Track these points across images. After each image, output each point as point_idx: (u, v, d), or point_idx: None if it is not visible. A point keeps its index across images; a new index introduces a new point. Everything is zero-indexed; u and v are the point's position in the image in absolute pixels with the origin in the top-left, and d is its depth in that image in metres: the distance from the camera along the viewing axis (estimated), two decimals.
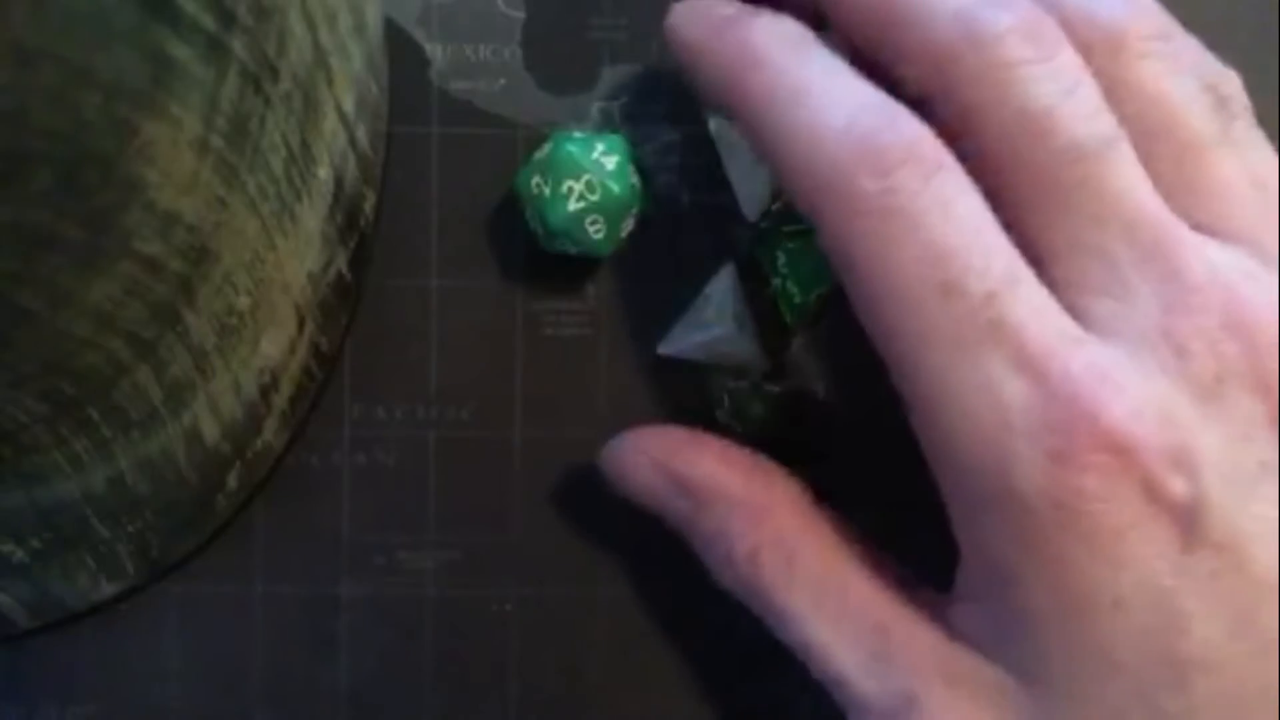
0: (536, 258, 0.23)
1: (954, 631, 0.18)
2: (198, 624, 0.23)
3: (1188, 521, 0.16)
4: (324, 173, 0.21)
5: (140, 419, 0.20)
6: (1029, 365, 0.16)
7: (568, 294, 0.23)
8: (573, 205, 0.21)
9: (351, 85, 0.21)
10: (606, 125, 0.23)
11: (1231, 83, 0.18)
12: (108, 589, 0.23)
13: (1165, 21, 0.18)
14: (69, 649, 0.23)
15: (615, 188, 0.21)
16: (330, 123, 0.21)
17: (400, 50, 0.23)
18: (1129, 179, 0.17)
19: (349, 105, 0.21)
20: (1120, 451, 0.16)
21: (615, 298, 0.23)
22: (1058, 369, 0.16)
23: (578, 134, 0.21)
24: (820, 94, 0.17)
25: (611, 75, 0.23)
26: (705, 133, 0.23)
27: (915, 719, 0.18)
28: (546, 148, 0.21)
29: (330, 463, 0.23)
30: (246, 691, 0.23)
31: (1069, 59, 0.17)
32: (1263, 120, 0.22)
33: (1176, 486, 0.16)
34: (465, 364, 0.23)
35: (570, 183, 0.21)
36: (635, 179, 0.21)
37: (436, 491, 0.23)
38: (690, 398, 0.23)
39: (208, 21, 0.17)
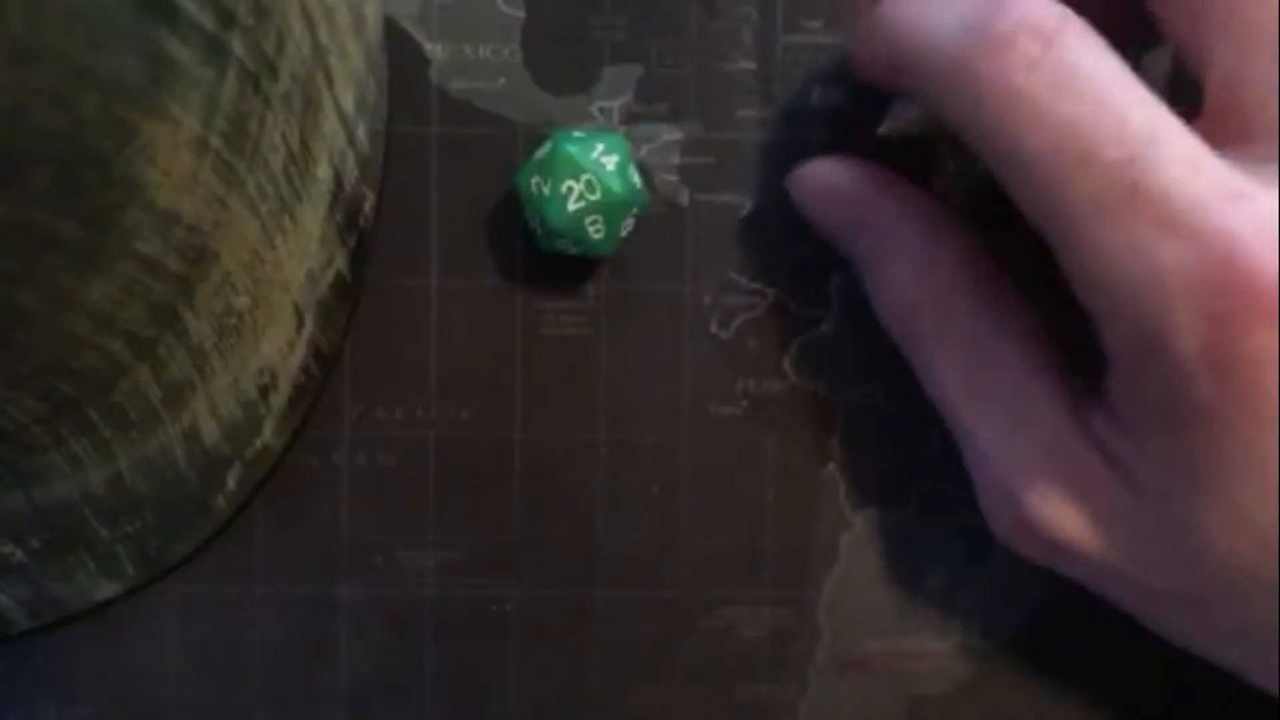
0: (536, 258, 0.23)
1: (1090, 435, 0.18)
2: (197, 624, 0.23)
3: None
4: (323, 172, 0.21)
5: (139, 419, 0.20)
6: (1179, 225, 0.16)
7: (568, 294, 0.23)
8: (573, 205, 0.21)
9: (351, 84, 0.21)
10: (606, 125, 0.23)
11: None
12: (107, 589, 0.23)
13: None
14: (69, 649, 0.23)
15: (615, 188, 0.21)
16: (330, 122, 0.21)
17: (400, 50, 0.23)
18: None
19: (348, 104, 0.21)
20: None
21: (615, 298, 0.23)
22: (1213, 225, 0.15)
23: (578, 134, 0.21)
24: None
25: (611, 75, 0.23)
26: (705, 133, 0.23)
27: (1029, 498, 0.18)
28: (546, 147, 0.21)
29: (330, 463, 0.23)
30: (246, 691, 0.23)
31: None
32: None
33: None
34: (465, 364, 0.23)
35: (570, 182, 0.21)
36: (635, 179, 0.21)
37: (436, 491, 0.23)
38: (692, 394, 0.23)
39: (207, 21, 0.17)
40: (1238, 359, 0.15)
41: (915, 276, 0.20)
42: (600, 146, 0.21)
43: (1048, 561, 0.19)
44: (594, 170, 0.21)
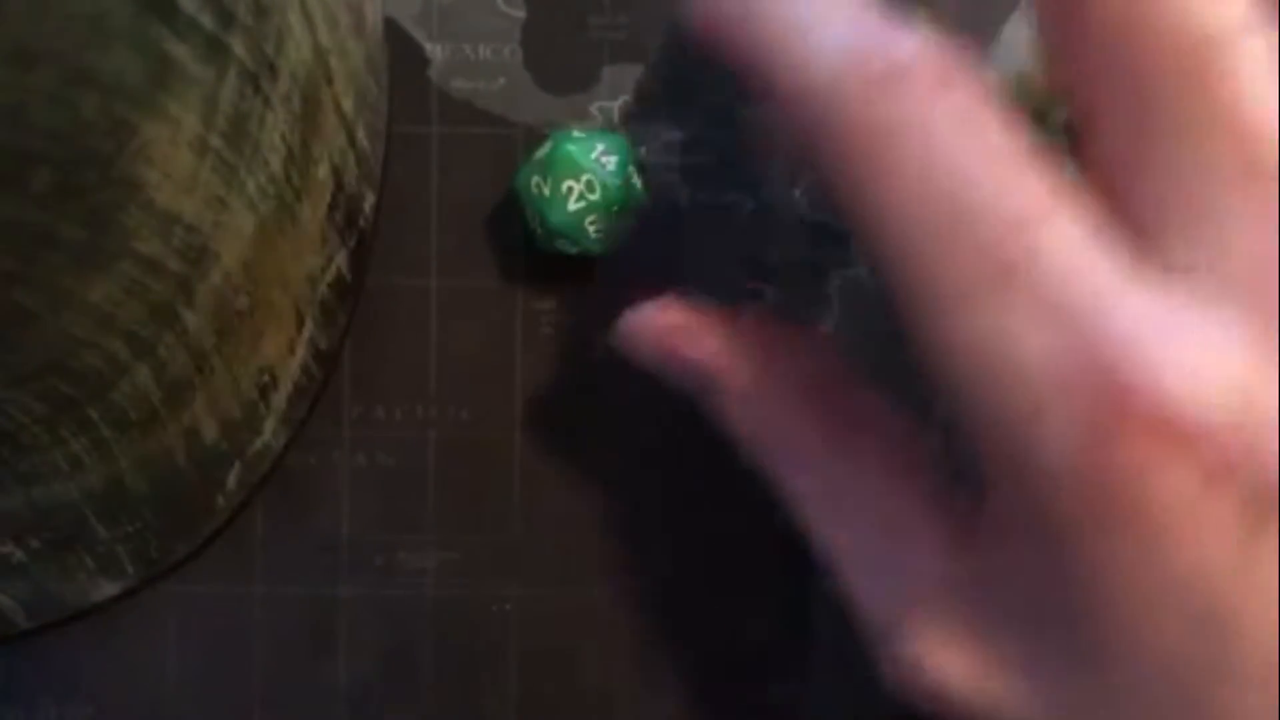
0: (536, 258, 0.23)
1: (975, 561, 0.16)
2: (197, 624, 0.23)
3: (1256, 521, 0.13)
4: (323, 172, 0.21)
5: (139, 419, 0.20)
6: (1056, 315, 0.13)
7: (568, 294, 0.23)
8: (572, 205, 0.21)
9: (351, 84, 0.21)
10: (606, 125, 0.23)
11: None
12: (107, 589, 0.23)
13: None
14: (69, 649, 0.23)
15: (615, 188, 0.21)
16: (330, 122, 0.21)
17: (400, 50, 0.23)
18: (1255, 83, 0.13)
19: (348, 104, 0.21)
20: (1172, 431, 0.13)
21: (615, 297, 0.23)
22: (1094, 321, 0.13)
23: (578, 134, 0.21)
24: (811, 23, 0.14)
25: (611, 75, 0.23)
26: (705, 132, 0.23)
27: (907, 645, 0.16)
28: (546, 147, 0.21)
29: (330, 463, 0.23)
30: (246, 691, 0.23)
31: None
32: None
33: (1248, 478, 0.13)
34: (465, 364, 0.23)
35: (570, 182, 0.21)
36: (635, 179, 0.21)
37: (436, 491, 0.23)
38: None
39: (206, 20, 0.17)
40: (1116, 480, 0.13)
41: (742, 411, 0.18)
42: (600, 146, 0.21)
43: (947, 715, 0.17)
44: (594, 170, 0.21)
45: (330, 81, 0.21)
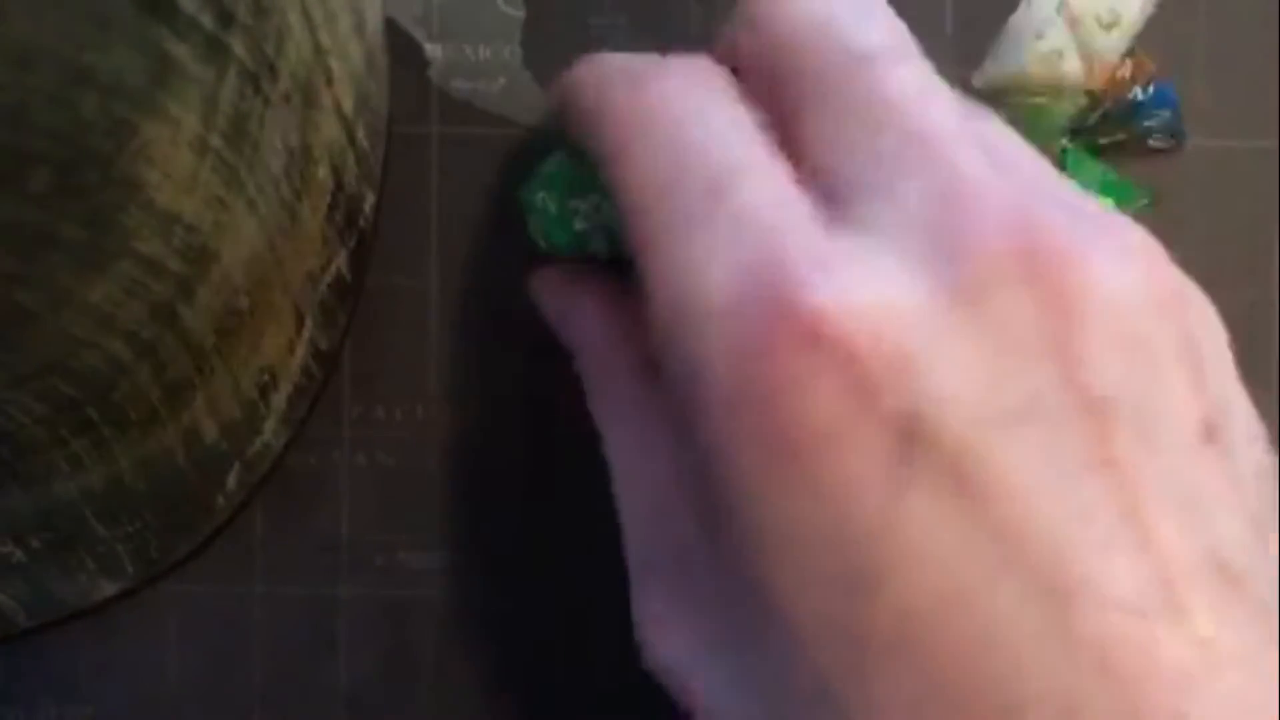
0: (536, 258, 0.23)
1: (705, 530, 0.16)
2: (197, 624, 0.23)
3: (905, 446, 0.13)
4: (323, 172, 0.21)
5: (139, 419, 0.20)
6: (739, 247, 0.14)
7: None
8: (578, 225, 0.20)
9: (351, 85, 0.21)
10: None
11: None
12: (107, 589, 0.23)
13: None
14: (69, 649, 0.23)
15: None
16: (330, 122, 0.21)
17: (400, 50, 0.23)
18: (912, 86, 0.15)
19: (348, 105, 0.21)
20: (820, 344, 0.13)
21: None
22: (768, 252, 0.14)
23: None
24: None
25: None
26: None
27: (637, 606, 0.17)
28: (555, 164, 0.21)
29: (330, 463, 0.23)
30: (246, 691, 0.23)
31: None
32: (1262, 124, 0.23)
33: (893, 399, 0.13)
34: (465, 364, 0.23)
35: (577, 202, 0.20)
36: None
37: (436, 491, 0.23)
38: None
39: (206, 20, 0.17)
40: (765, 382, 0.14)
41: (583, 364, 0.20)
42: None
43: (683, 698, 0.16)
44: (602, 193, 0.20)
45: (330, 82, 0.21)
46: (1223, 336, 0.16)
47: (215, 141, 0.18)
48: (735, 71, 0.17)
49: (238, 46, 0.18)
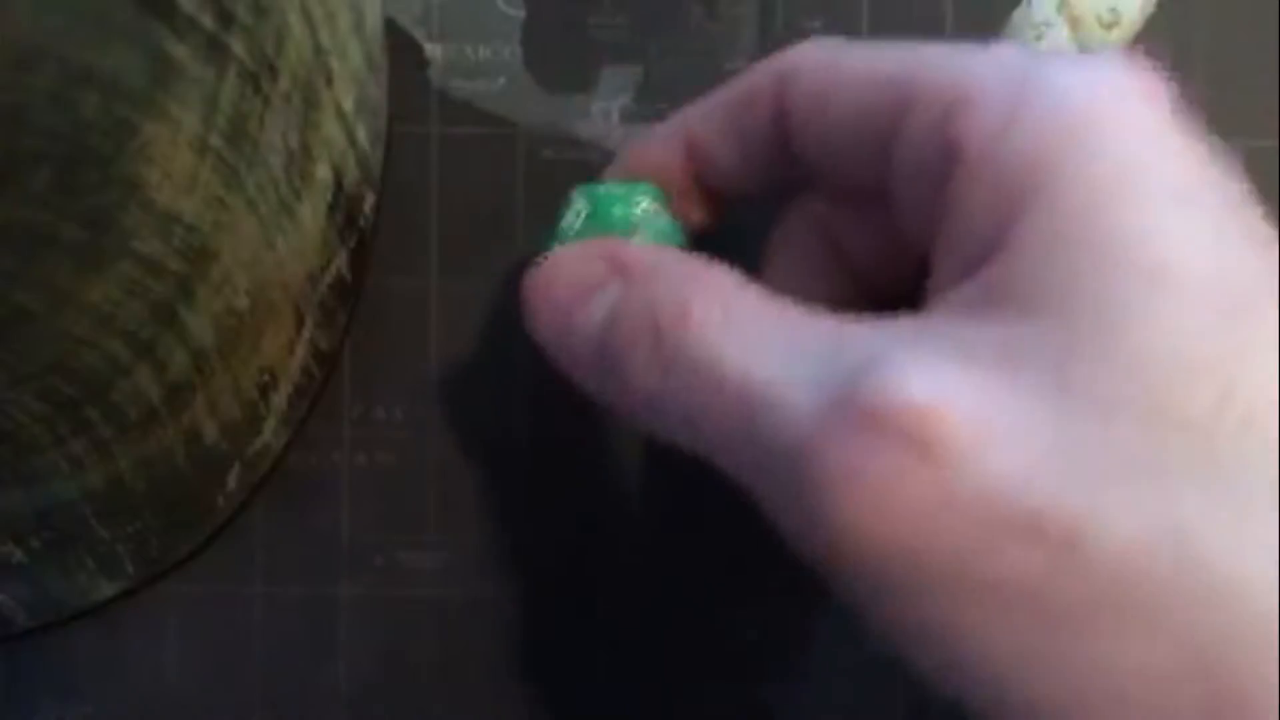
0: (536, 258, 0.23)
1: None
2: (197, 624, 0.23)
3: None
4: (323, 172, 0.21)
5: (139, 419, 0.20)
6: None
7: None
8: None
9: (351, 85, 0.21)
10: (606, 125, 0.23)
11: None
12: (107, 589, 0.23)
13: None
14: (69, 649, 0.23)
15: (672, 232, 0.19)
16: (330, 122, 0.21)
17: (400, 50, 0.23)
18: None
19: (348, 105, 0.21)
20: None
21: None
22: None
23: (607, 188, 0.19)
24: None
25: (611, 75, 0.23)
26: None
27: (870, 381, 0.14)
28: (586, 206, 0.19)
29: (330, 463, 0.23)
30: (245, 691, 0.23)
31: None
32: (1262, 124, 0.23)
33: None
34: (465, 364, 0.23)
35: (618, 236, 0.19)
36: (673, 219, 0.19)
37: (436, 491, 0.23)
38: None
39: (206, 20, 0.17)
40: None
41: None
42: (641, 200, 0.19)
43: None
44: (645, 224, 0.19)
45: (330, 82, 0.21)
46: None
47: (215, 141, 0.18)
48: None
49: (238, 46, 0.18)
